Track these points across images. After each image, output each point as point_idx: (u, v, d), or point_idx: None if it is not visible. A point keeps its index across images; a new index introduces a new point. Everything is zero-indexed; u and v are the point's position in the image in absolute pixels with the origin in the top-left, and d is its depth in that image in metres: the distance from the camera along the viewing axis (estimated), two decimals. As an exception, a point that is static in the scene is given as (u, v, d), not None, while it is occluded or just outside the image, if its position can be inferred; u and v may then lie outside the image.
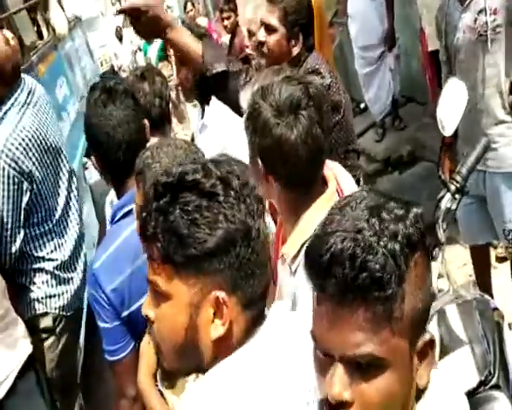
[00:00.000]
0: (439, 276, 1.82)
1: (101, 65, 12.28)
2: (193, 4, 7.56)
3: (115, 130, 1.57)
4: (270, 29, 1.97)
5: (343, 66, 5.65)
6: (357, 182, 2.13)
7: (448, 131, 1.93)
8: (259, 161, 1.24)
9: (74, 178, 2.48)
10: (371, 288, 0.68)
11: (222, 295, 0.81)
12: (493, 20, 2.23)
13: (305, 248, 1.14)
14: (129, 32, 9.97)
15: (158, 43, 7.45)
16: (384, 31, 4.61)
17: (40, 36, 4.43)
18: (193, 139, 2.69)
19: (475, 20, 2.27)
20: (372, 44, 4.70)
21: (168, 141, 1.42)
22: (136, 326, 1.40)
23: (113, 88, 1.62)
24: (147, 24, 1.62)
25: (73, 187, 2.43)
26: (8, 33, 3.15)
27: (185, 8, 7.51)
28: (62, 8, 5.48)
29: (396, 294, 0.69)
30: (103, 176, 1.70)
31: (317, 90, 1.23)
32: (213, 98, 2.33)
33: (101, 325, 1.47)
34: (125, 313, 1.45)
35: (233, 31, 5.10)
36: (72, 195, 2.39)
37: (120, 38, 10.41)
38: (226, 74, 1.74)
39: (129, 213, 1.50)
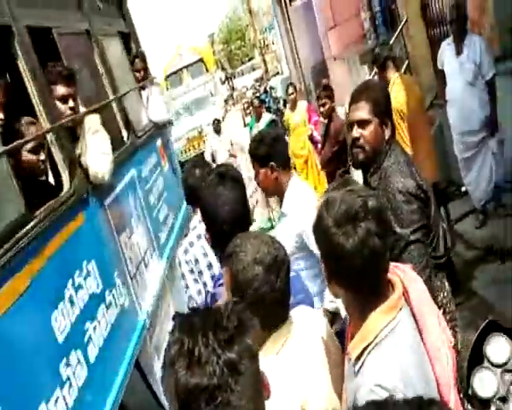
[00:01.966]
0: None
1: (184, 152, 12.55)
2: (295, 88, 7.87)
3: (223, 207, 1.89)
4: (363, 123, 2.12)
5: (443, 148, 5.55)
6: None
7: None
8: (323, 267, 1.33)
9: None
10: None
11: None
12: None
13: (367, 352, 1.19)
14: (229, 130, 9.66)
15: (265, 119, 7.83)
16: (486, 116, 4.48)
17: (45, 195, 2.24)
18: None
19: None
20: (472, 130, 4.58)
21: (256, 234, 1.59)
22: None
23: (225, 173, 1.97)
24: None
25: None
26: None
27: (287, 90, 7.86)
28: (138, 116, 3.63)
29: None
30: (212, 247, 2.02)
31: (378, 203, 1.30)
32: (290, 187, 2.54)
33: None
34: None
35: (329, 115, 5.35)
36: None
37: (218, 132, 9.80)
38: None
39: None
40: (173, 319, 0.98)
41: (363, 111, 2.12)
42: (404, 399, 0.74)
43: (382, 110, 2.13)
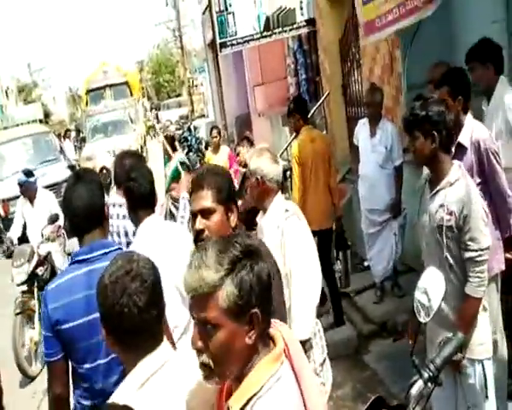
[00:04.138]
0: None
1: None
2: (219, 132, 7.72)
3: (75, 202, 2.13)
4: (207, 213, 1.99)
5: (351, 222, 5.75)
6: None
7: (424, 318, 1.92)
8: None
9: None
10: None
11: None
12: (448, 220, 2.35)
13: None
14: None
15: (175, 161, 7.61)
16: (391, 199, 4.74)
17: None
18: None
19: (436, 211, 2.42)
20: (378, 209, 4.83)
21: (132, 254, 1.66)
22: (65, 342, 2.00)
23: (80, 174, 2.26)
24: None
25: None
26: None
27: (211, 132, 7.69)
28: None
29: None
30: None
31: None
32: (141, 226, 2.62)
33: (43, 332, 2.08)
34: (57, 328, 1.99)
35: (245, 164, 5.36)
36: None
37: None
38: None
39: (80, 261, 2.07)
40: None
41: (206, 200, 1.98)
42: None
43: (227, 196, 2.01)
